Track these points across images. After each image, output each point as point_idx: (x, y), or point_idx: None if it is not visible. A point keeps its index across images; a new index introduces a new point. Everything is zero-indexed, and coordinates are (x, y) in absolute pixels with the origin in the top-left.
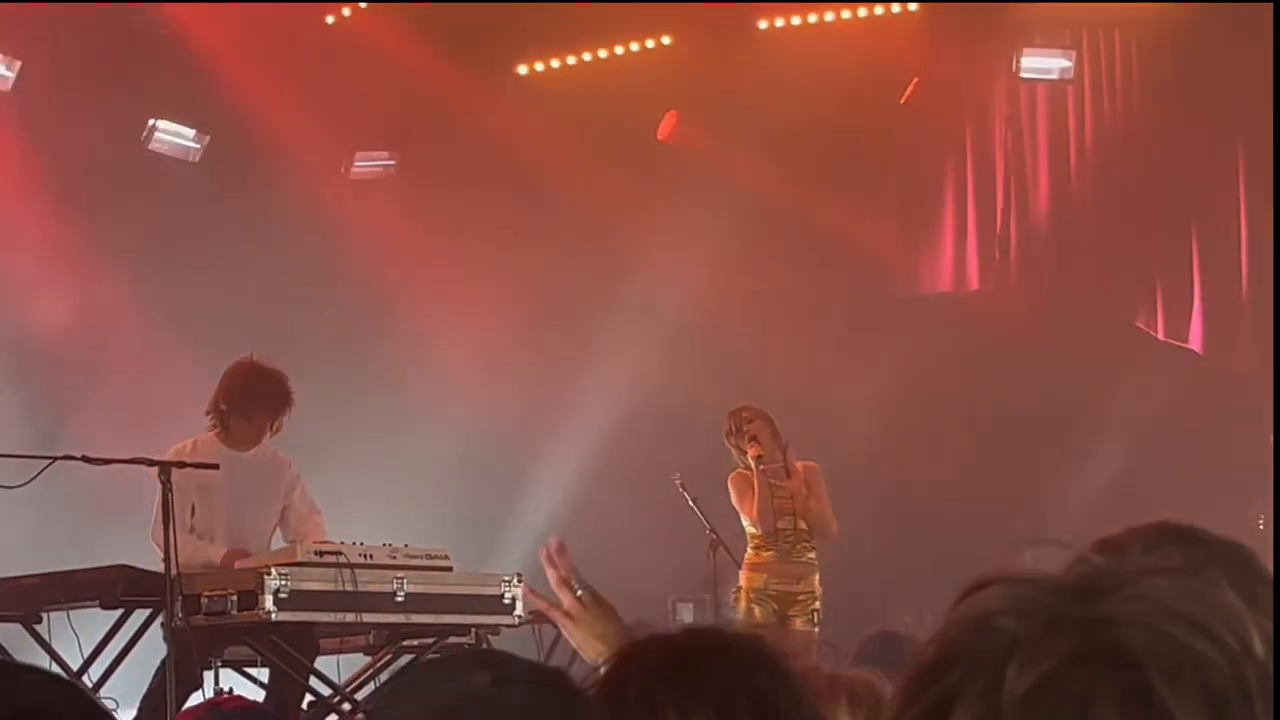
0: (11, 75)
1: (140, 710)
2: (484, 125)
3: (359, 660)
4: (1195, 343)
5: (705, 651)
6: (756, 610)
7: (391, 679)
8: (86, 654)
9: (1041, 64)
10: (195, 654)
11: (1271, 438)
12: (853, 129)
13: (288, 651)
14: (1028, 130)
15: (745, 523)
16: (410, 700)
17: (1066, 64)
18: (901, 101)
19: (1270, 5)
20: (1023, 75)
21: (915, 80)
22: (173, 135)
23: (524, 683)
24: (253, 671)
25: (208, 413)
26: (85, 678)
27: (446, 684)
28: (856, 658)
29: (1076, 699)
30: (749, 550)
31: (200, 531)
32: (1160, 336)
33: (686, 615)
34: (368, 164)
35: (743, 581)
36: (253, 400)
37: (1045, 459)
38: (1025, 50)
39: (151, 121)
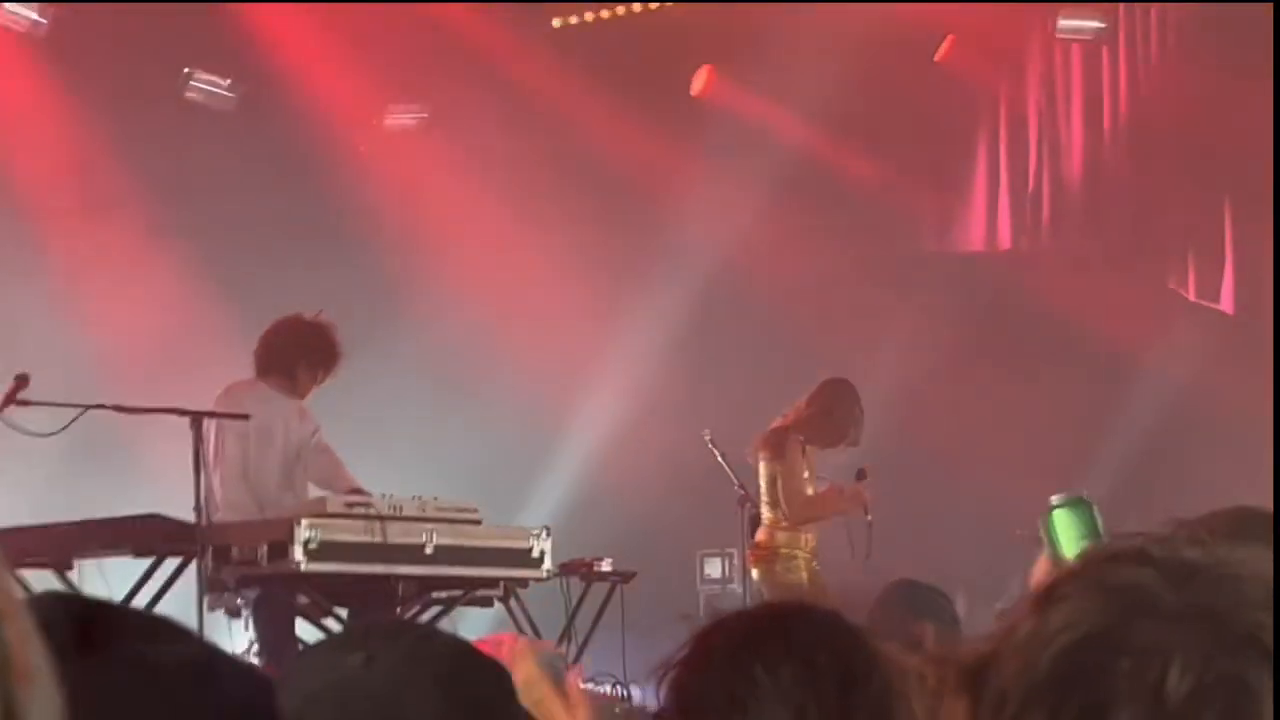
0: (45, 21)
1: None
2: (519, 78)
3: None
4: (1226, 304)
5: (787, 615)
6: (809, 567)
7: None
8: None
9: (1077, 23)
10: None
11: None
12: (887, 85)
13: (315, 601)
14: (1062, 89)
15: (778, 492)
16: (288, 687)
17: (1102, 24)
18: (936, 59)
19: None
20: (1058, 34)
21: (950, 37)
22: (207, 84)
23: (396, 658)
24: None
25: (266, 362)
26: None
27: (320, 669)
28: (879, 603)
29: (1236, 693)
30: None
31: (257, 479)
32: (1191, 297)
33: (713, 569)
34: (402, 115)
35: (801, 544)
36: (335, 359)
37: (1075, 417)
38: (1061, 9)
39: (186, 70)
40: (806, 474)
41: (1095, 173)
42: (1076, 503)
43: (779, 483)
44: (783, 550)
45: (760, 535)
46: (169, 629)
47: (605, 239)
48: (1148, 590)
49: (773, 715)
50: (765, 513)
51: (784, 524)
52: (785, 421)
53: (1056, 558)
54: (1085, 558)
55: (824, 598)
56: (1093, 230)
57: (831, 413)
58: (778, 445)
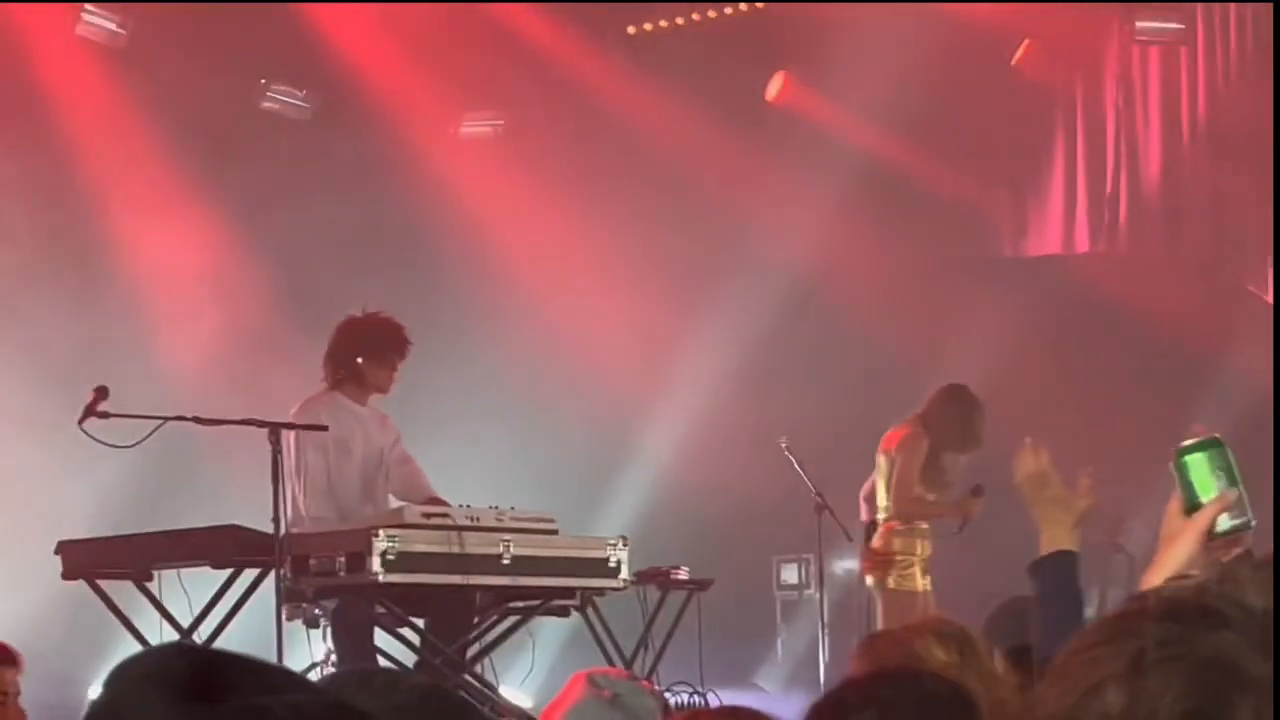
0: (124, 33)
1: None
2: (594, 85)
3: None
4: None
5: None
6: (926, 578)
7: None
8: (196, 612)
9: (1155, 25)
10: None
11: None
12: (964, 90)
13: (392, 611)
14: (1139, 91)
15: (889, 495)
16: None
17: (1180, 25)
18: (1013, 63)
19: (1270, 5)
20: (1136, 36)
21: (1027, 41)
22: (283, 94)
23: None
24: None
25: (334, 369)
26: (195, 636)
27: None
28: (990, 623)
29: None
30: (903, 519)
31: (337, 489)
32: (1270, 299)
33: (790, 575)
34: (477, 124)
35: (917, 550)
36: (392, 347)
37: (1153, 421)
38: (1138, 11)
39: (262, 80)
40: (948, 478)
41: (1173, 175)
42: (1209, 444)
43: (893, 477)
44: (898, 557)
45: (876, 541)
46: (287, 679)
47: (680, 245)
48: (1234, 659)
49: None
50: (880, 514)
51: (900, 528)
52: (915, 424)
53: (1192, 503)
54: (1156, 613)
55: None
56: (1170, 233)
57: (961, 418)
58: (905, 443)
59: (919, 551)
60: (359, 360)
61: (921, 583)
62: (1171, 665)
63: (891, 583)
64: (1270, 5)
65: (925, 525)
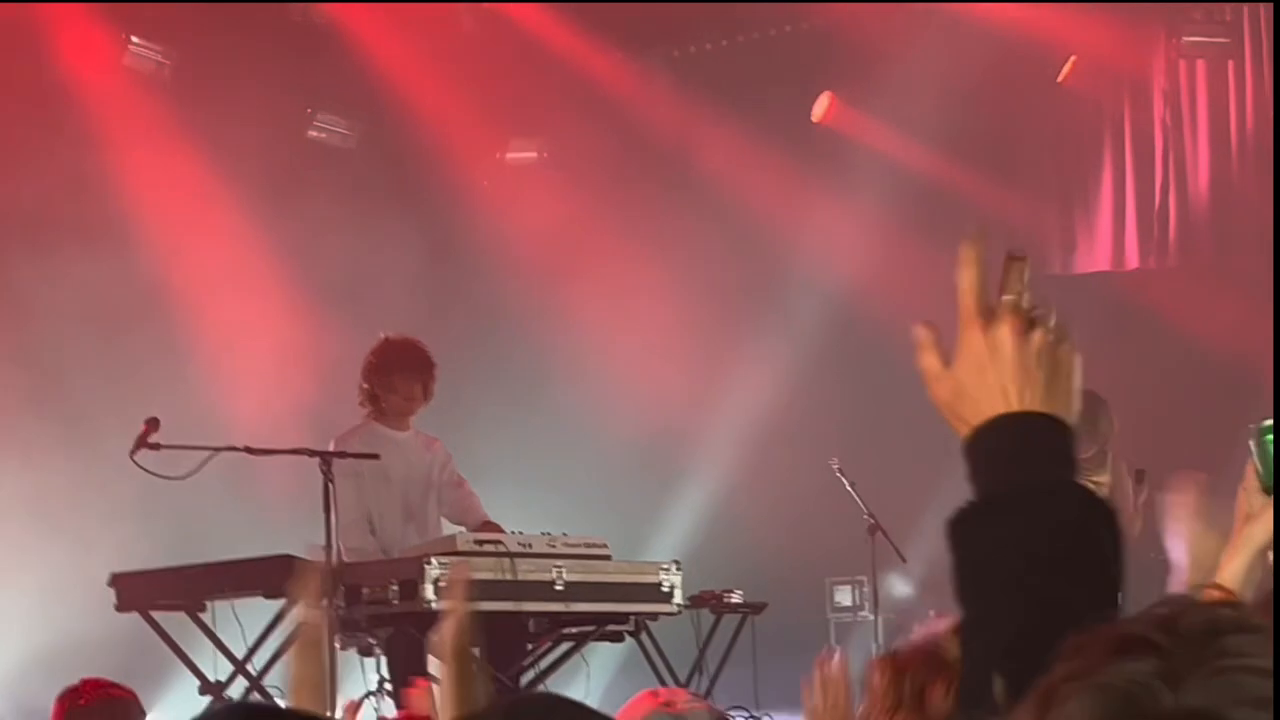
0: (168, 63)
1: None
2: (638, 109)
3: None
4: None
5: None
6: None
7: None
8: (250, 643)
9: (1202, 39)
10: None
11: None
12: (1010, 108)
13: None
14: (1187, 106)
15: None
16: None
17: (1226, 39)
18: (1060, 80)
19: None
20: (1183, 51)
21: (1073, 58)
22: (329, 124)
23: None
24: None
25: (361, 401)
26: (248, 666)
27: None
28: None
29: None
30: None
31: (378, 519)
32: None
33: (843, 598)
34: (522, 151)
35: None
36: (396, 370)
37: (1204, 436)
38: (1185, 24)
39: (309, 110)
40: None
41: (1223, 189)
42: None
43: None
44: None
45: None
46: None
47: (727, 267)
48: (1145, 689)
49: None
50: None
51: None
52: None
53: (1272, 480)
54: (1092, 646)
55: None
56: (1220, 247)
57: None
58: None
59: None
60: (378, 391)
61: None
62: (1071, 696)
63: None
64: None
65: None
